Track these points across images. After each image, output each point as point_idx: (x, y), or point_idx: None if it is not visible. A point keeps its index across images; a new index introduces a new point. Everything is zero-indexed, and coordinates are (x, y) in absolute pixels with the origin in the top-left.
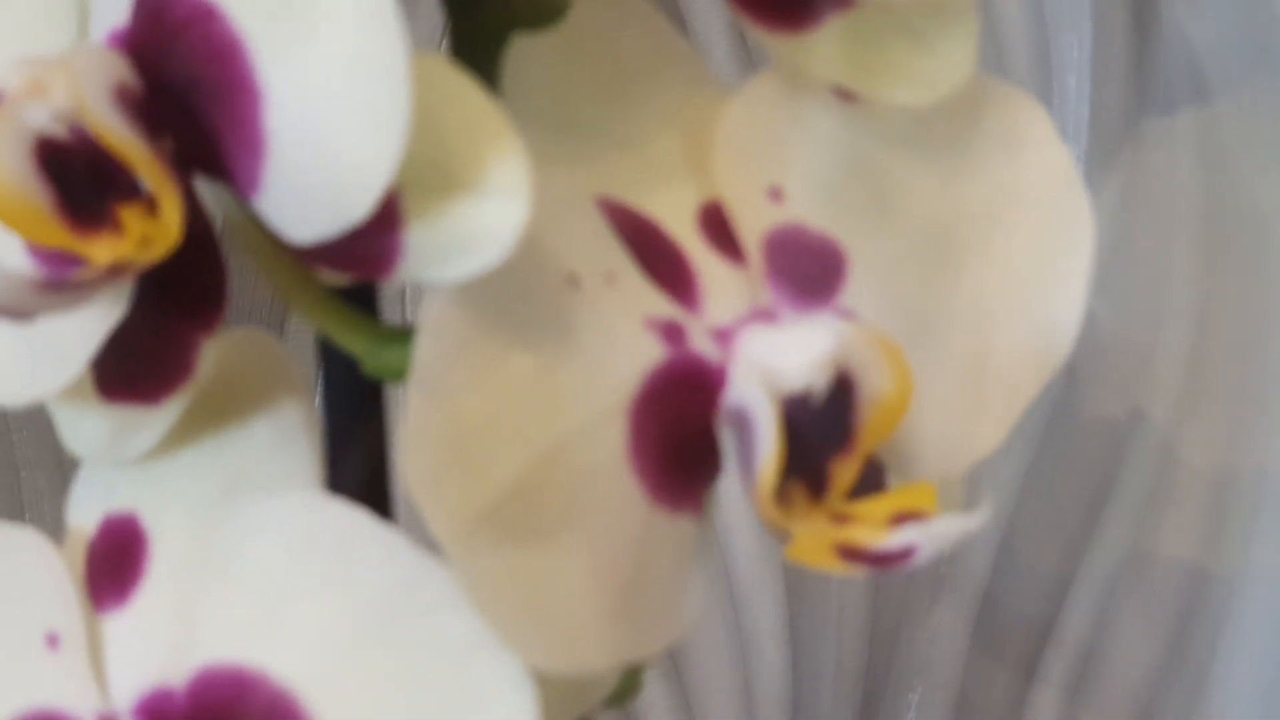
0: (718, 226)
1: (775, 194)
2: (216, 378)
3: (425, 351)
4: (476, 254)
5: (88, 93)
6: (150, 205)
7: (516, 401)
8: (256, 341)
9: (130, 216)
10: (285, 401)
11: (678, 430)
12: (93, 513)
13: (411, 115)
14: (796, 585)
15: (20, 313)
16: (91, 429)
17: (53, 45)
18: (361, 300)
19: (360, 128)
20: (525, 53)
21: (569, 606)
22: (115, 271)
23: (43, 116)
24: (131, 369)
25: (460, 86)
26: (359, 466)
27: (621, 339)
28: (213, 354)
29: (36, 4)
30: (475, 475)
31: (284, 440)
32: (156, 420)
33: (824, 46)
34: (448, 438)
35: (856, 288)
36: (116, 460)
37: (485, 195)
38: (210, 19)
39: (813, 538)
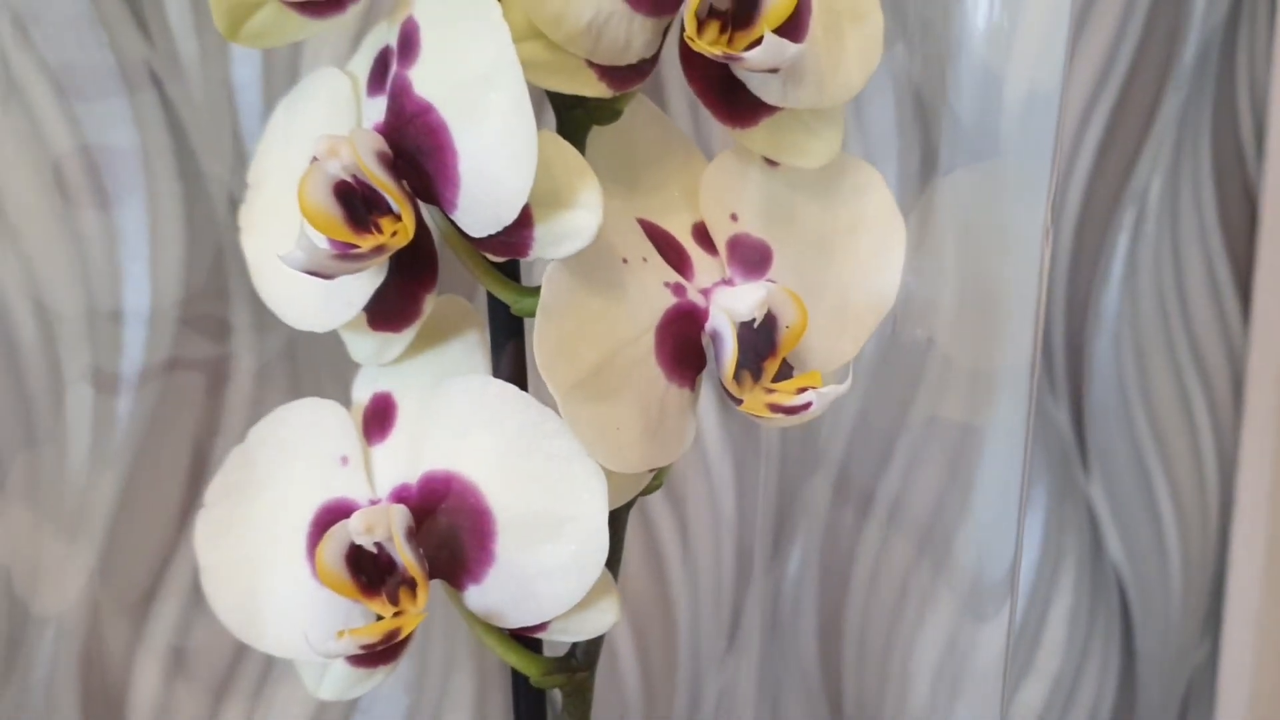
0: (702, 235)
1: (733, 217)
2: (433, 320)
3: (546, 294)
4: (575, 241)
5: (362, 153)
6: (397, 218)
7: (594, 323)
8: (455, 302)
9: (386, 224)
10: (469, 331)
11: (681, 342)
12: (366, 392)
13: (536, 165)
14: (741, 462)
15: (325, 274)
16: (365, 345)
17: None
18: (510, 272)
19: (509, 173)
20: (598, 142)
21: (624, 436)
22: (377, 251)
23: (336, 168)
24: (386, 311)
25: (562, 147)
26: (508, 366)
27: (651, 292)
28: (431, 304)
29: (336, 116)
30: (572, 361)
31: (468, 352)
32: (400, 341)
33: (760, 135)
34: (557, 340)
35: (777, 268)
36: (379, 363)
37: (579, 207)
38: (428, 111)
39: (755, 401)
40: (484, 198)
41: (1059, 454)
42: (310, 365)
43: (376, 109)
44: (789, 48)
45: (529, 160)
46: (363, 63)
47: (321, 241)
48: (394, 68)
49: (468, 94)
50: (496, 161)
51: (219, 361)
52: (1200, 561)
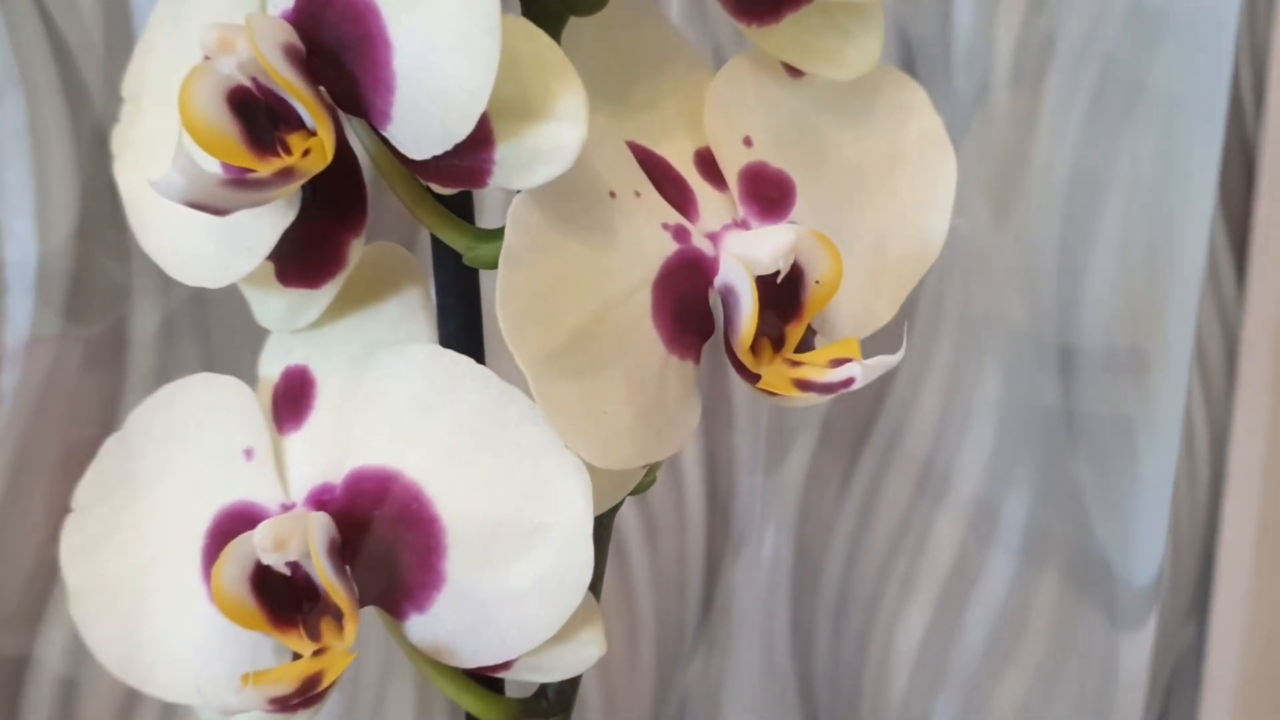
0: (708, 164)
1: (747, 141)
2: (361, 273)
3: (512, 237)
4: (550, 164)
5: (263, 47)
6: (311, 133)
7: (575, 275)
8: (390, 250)
9: (296, 142)
10: (409, 287)
11: (685, 301)
12: (276, 366)
13: (499, 59)
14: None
15: (217, 208)
16: (274, 307)
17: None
18: (461, 210)
19: (463, 70)
20: (576, 32)
21: (612, 422)
22: (284, 176)
23: (230, 68)
24: (300, 262)
25: (535, 37)
26: (459, 332)
27: (646, 235)
28: (359, 252)
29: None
30: (546, 325)
31: (408, 314)
32: (319, 300)
33: (782, 36)
34: (527, 297)
35: (802, 206)
36: (292, 328)
37: (556, 119)
38: None
39: (777, 375)
40: (427, 104)
41: (1044, 428)
42: (225, 333)
43: None
44: None
45: (488, 51)
46: None
47: (210, 164)
48: None
49: None
50: (444, 54)
51: (116, 330)
52: (1188, 541)
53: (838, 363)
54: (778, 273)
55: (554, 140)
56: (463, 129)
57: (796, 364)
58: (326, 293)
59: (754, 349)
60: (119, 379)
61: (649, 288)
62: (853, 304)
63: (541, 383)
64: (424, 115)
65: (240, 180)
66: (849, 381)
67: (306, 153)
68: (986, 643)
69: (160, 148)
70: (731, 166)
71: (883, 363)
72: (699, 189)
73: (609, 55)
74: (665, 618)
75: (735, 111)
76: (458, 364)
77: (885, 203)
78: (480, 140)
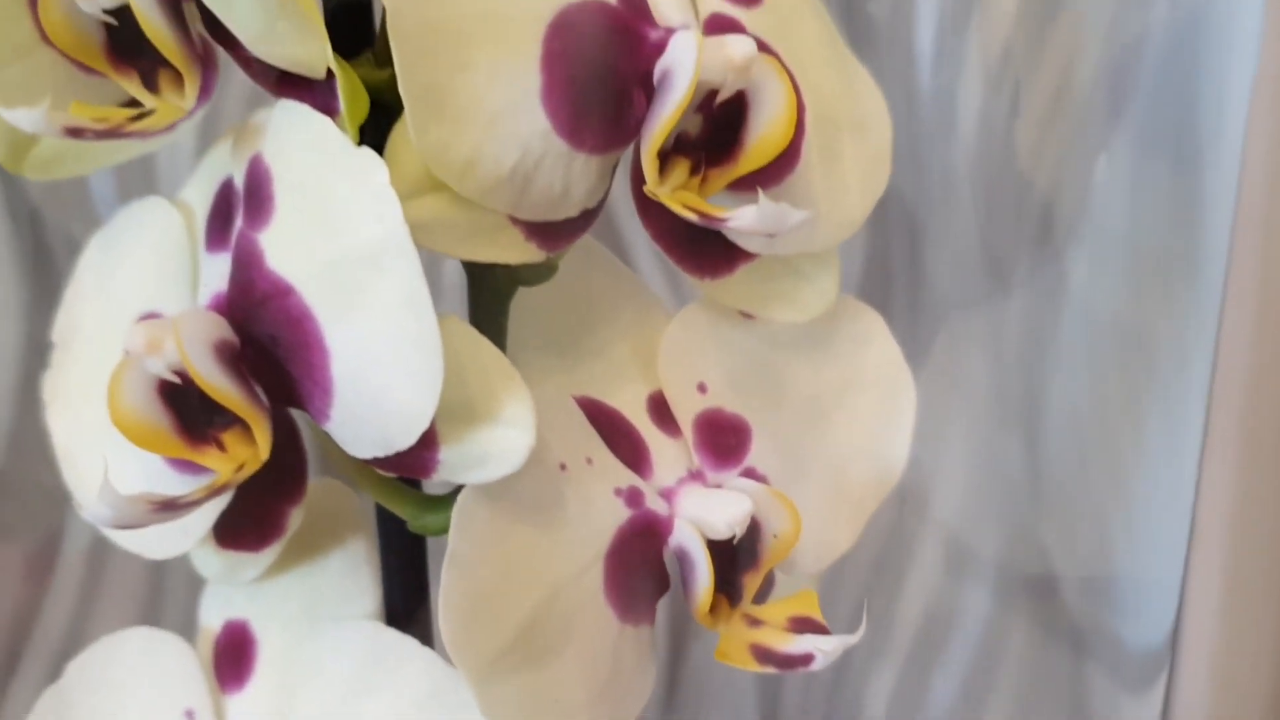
0: (661, 410)
1: (701, 388)
2: (305, 520)
3: (457, 539)
4: (495, 467)
5: (191, 351)
6: (246, 430)
7: (523, 562)
8: (333, 490)
9: (231, 440)
10: (352, 539)
11: (638, 567)
12: (217, 617)
13: (442, 378)
14: None
15: (136, 526)
16: (213, 563)
17: (173, 297)
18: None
19: (404, 386)
20: (525, 300)
21: (564, 706)
22: (216, 492)
23: (158, 367)
24: (239, 530)
25: (477, 344)
26: (404, 586)
27: (597, 506)
28: (299, 518)
29: (165, 262)
30: (492, 626)
31: (351, 569)
32: (259, 561)
33: (736, 285)
34: (471, 600)
35: (758, 448)
36: (232, 583)
37: (502, 424)
38: (288, 294)
39: (733, 641)
40: (367, 414)
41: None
42: None
43: (218, 269)
44: (790, 214)
45: (430, 373)
46: (199, 194)
47: (132, 474)
48: (239, 221)
49: (341, 277)
50: (383, 369)
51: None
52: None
53: (797, 623)
54: (735, 537)
55: (500, 445)
56: (404, 441)
57: (755, 622)
58: (267, 555)
59: (712, 610)
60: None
61: (601, 561)
62: (812, 535)
63: (485, 688)
64: (363, 422)
65: (169, 505)
66: (808, 659)
67: (241, 467)
68: (956, 702)
69: (92, 395)
70: (686, 414)
71: (842, 642)
72: (652, 440)
73: (561, 302)
74: None
75: (689, 359)
76: (402, 644)
77: (844, 429)
78: (424, 441)
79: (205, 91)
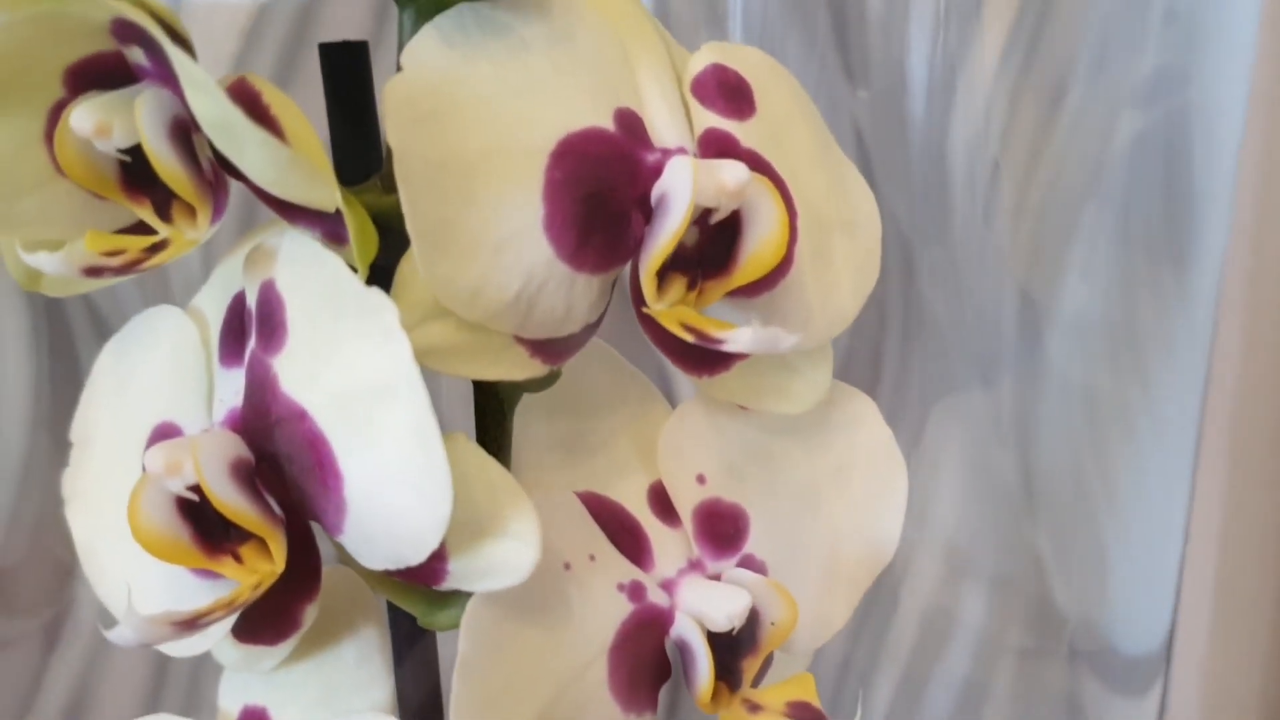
0: (662, 499)
1: (700, 479)
2: (320, 610)
3: (467, 647)
4: (502, 578)
5: (209, 473)
6: (262, 545)
7: (530, 664)
8: (343, 577)
9: (248, 553)
10: (365, 628)
11: (640, 658)
12: (235, 702)
13: (452, 503)
14: None
15: (159, 643)
16: (231, 654)
17: (188, 407)
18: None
19: (415, 510)
20: (529, 404)
21: None
22: (234, 609)
23: (177, 487)
24: (256, 626)
25: (484, 463)
26: (417, 673)
27: (601, 603)
28: (314, 614)
29: (180, 369)
30: None
31: (364, 658)
32: (276, 654)
33: (731, 380)
34: (481, 706)
35: (756, 535)
36: (249, 671)
37: (509, 538)
38: (302, 418)
39: None
40: (380, 533)
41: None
42: None
43: (233, 384)
44: (784, 339)
45: (439, 497)
46: (212, 301)
47: (157, 601)
48: (252, 343)
49: (353, 408)
50: (395, 493)
51: (53, 622)
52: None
53: (795, 708)
54: (734, 629)
55: (507, 558)
56: (415, 558)
57: (755, 707)
58: (283, 649)
59: (713, 698)
60: (45, 679)
61: (605, 656)
62: (809, 614)
63: None
64: (376, 540)
65: (190, 624)
66: None
67: (258, 585)
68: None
69: (111, 495)
70: (686, 505)
71: None
72: (653, 531)
73: (564, 400)
74: None
75: (688, 451)
76: None
77: (838, 511)
78: (434, 555)
79: (217, 214)
